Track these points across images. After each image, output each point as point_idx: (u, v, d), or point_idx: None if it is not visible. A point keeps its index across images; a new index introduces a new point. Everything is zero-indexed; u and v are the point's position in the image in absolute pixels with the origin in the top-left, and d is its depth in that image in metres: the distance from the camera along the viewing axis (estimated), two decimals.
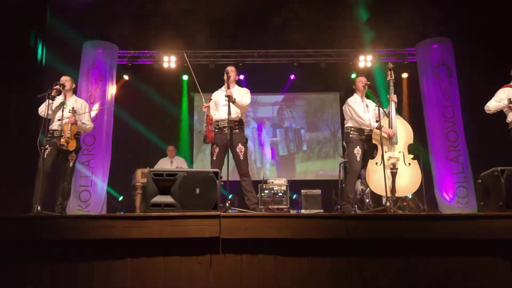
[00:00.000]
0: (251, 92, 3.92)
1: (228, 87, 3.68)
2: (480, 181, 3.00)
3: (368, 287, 2.36)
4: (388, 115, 3.79)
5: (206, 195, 2.59)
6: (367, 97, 4.05)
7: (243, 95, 3.78)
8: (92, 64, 6.58)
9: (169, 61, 7.16)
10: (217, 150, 3.62)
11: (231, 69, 3.81)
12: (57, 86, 3.77)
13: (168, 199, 2.60)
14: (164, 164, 6.02)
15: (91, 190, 6.17)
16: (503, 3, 5.45)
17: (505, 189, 2.62)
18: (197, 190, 2.59)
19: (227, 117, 3.53)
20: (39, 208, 3.32)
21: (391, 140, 3.68)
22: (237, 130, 3.65)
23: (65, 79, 3.95)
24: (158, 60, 7.21)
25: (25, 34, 5.30)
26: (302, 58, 7.33)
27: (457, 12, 6.08)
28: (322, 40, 6.96)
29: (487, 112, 4.09)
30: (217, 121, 3.71)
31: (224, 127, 3.62)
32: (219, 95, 3.79)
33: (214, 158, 3.61)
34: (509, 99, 3.91)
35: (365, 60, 7.15)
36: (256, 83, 7.36)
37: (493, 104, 4.03)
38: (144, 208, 5.16)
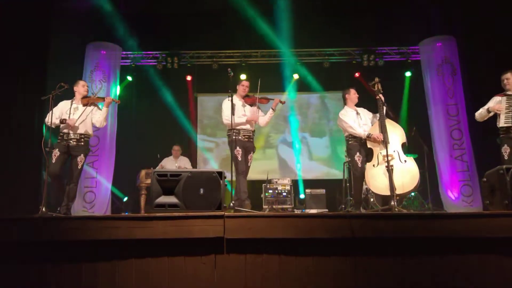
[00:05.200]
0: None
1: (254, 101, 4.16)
2: (485, 179, 2.98)
3: (373, 286, 2.35)
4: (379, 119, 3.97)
5: (210, 195, 2.60)
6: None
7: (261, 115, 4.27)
8: (95, 66, 6.61)
9: (172, 62, 7.17)
10: (240, 151, 3.99)
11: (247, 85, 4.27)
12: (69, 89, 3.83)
13: (172, 199, 2.61)
14: (168, 164, 6.04)
15: (95, 191, 6.20)
16: (507, 1, 5.41)
17: (510, 187, 2.60)
18: (201, 190, 2.60)
19: (247, 127, 4.08)
20: (44, 209, 3.35)
21: (382, 142, 3.81)
22: (251, 140, 4.09)
23: (83, 84, 4.12)
24: (162, 61, 7.22)
25: (29, 37, 5.34)
26: (305, 57, 7.32)
27: (461, 10, 6.05)
28: (325, 39, 6.94)
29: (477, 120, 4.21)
30: (237, 125, 4.02)
31: (245, 135, 4.06)
32: (236, 105, 4.07)
33: (240, 159, 3.96)
34: (487, 108, 4.02)
35: (368, 59, 7.12)
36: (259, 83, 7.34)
37: (478, 112, 4.15)
38: (148, 209, 5.20)
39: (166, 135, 7.11)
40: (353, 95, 4.18)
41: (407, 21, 6.37)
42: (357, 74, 7.20)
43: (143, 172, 5.77)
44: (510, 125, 3.86)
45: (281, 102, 4.14)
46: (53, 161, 3.80)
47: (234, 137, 3.98)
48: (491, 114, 4.04)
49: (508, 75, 4.00)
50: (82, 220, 2.54)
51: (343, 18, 6.39)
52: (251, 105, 4.17)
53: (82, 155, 3.93)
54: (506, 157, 3.81)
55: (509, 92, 3.99)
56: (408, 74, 7.24)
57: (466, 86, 6.47)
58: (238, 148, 3.95)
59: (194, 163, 7.15)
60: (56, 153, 3.82)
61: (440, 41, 6.63)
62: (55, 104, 3.84)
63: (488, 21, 5.72)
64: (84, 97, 4.08)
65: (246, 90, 4.20)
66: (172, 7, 6.52)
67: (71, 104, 3.98)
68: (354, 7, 6.45)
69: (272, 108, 4.16)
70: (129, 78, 7.29)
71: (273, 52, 7.26)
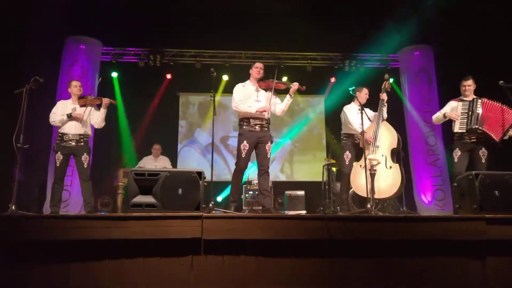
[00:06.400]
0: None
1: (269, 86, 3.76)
2: (456, 184, 3.11)
3: (349, 287, 2.40)
4: (375, 120, 4.06)
5: (189, 196, 2.58)
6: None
7: (277, 102, 3.85)
8: (74, 60, 6.41)
9: (155, 60, 7.06)
10: (247, 147, 3.61)
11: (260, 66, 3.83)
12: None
13: (149, 199, 2.57)
14: (147, 163, 5.93)
15: (70, 189, 6.00)
16: (483, 12, 5.68)
17: (479, 192, 2.72)
18: (180, 191, 2.57)
19: (261, 115, 3.64)
20: (13, 207, 3.23)
21: (372, 144, 3.88)
22: (266, 128, 3.70)
23: (75, 84, 4.08)
24: (144, 58, 7.10)
25: (4, 30, 5.12)
26: (289, 60, 7.39)
27: (439, 20, 6.29)
28: (308, 44, 7.04)
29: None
30: (248, 118, 3.65)
31: (257, 124, 3.65)
32: (249, 90, 3.77)
33: (244, 156, 3.60)
34: (444, 114, 4.09)
35: (349, 65, 7.28)
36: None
37: (435, 116, 4.23)
38: (125, 209, 5.09)
39: (146, 133, 6.98)
40: (363, 94, 4.19)
41: (388, 29, 6.55)
42: (332, 79, 7.39)
43: (121, 171, 5.64)
44: (464, 131, 3.93)
45: (300, 87, 3.69)
46: (58, 165, 3.90)
47: (244, 127, 3.64)
48: (447, 118, 4.13)
49: (470, 82, 4.04)
50: (55, 219, 2.46)
51: (327, 24, 6.50)
52: (265, 90, 3.80)
53: (85, 153, 3.98)
54: (456, 160, 3.89)
55: (465, 98, 4.06)
56: (390, 80, 7.46)
57: (442, 93, 6.72)
58: (245, 142, 3.57)
59: (174, 163, 7.06)
60: (59, 156, 3.90)
61: (418, 50, 6.86)
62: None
63: (463, 30, 5.97)
64: (81, 97, 4.06)
65: (261, 72, 3.77)
66: (156, 3, 6.43)
67: (64, 109, 3.97)
68: (338, 14, 6.59)
69: (289, 95, 3.74)
70: (115, 74, 7.12)
71: (258, 54, 7.28)
